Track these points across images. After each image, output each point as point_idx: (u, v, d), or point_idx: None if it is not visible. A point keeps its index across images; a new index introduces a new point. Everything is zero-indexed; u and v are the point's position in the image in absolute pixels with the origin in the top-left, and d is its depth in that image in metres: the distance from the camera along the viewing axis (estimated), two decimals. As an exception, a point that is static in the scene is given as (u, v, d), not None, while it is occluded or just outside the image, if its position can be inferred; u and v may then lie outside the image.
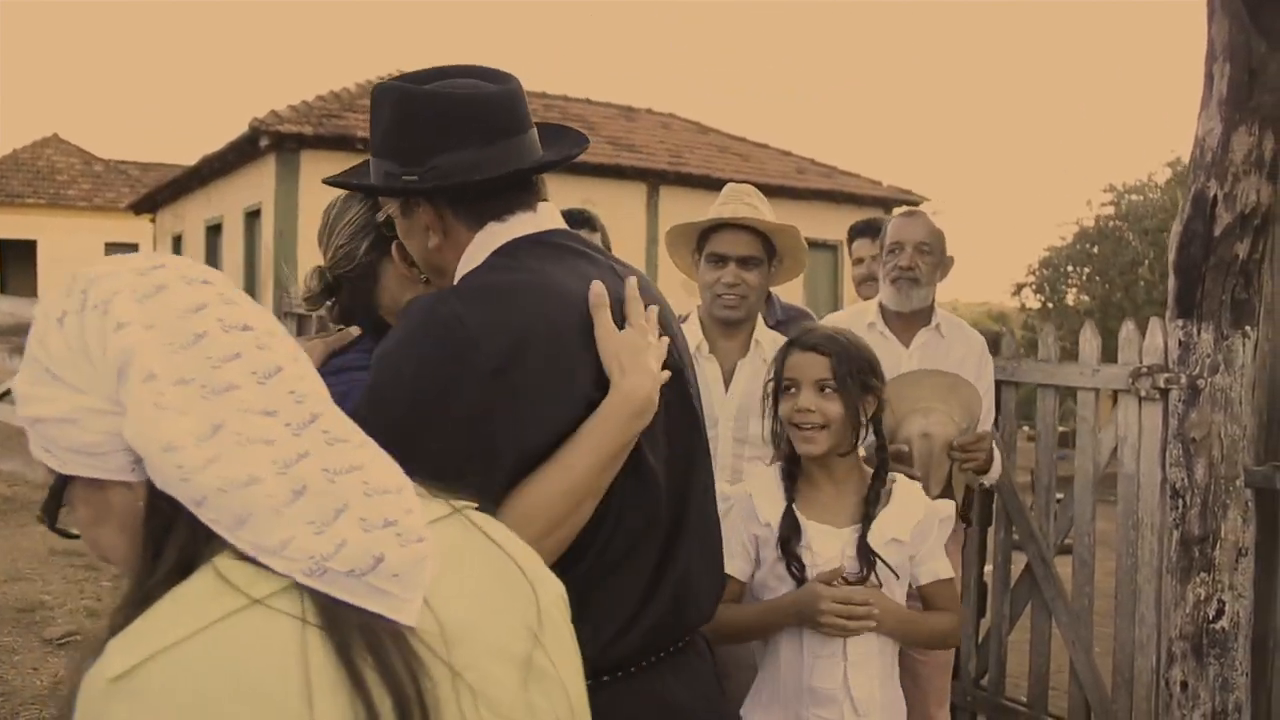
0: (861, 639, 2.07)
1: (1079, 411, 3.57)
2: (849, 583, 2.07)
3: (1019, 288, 23.78)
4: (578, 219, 3.42)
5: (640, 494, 1.46)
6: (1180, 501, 3.16)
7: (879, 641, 2.10)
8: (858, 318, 3.32)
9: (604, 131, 16.49)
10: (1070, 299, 23.51)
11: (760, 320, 2.91)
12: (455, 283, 1.49)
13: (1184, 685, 3.13)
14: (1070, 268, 23.34)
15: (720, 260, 2.77)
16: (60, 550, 6.93)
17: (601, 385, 1.41)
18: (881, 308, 3.33)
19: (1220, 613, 3.09)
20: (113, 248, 29.30)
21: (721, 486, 2.61)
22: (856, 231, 4.43)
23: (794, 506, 2.16)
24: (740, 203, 2.81)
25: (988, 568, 4.12)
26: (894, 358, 3.14)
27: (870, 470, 2.21)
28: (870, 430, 2.23)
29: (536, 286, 1.42)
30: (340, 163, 13.42)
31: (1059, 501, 3.75)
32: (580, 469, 1.35)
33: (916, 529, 2.16)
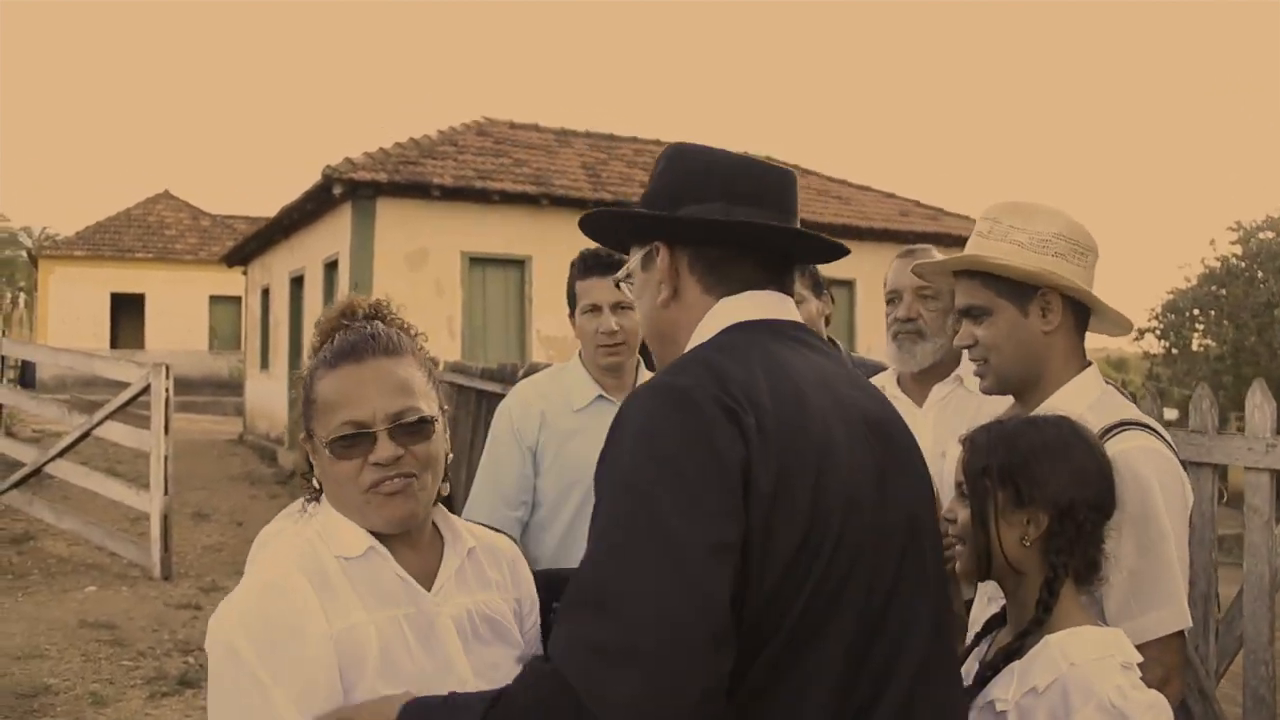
0: None
1: (1247, 499, 2.74)
2: None
3: (1141, 333, 22.64)
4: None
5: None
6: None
7: None
8: (884, 377, 2.80)
9: (695, 175, 15.87)
10: (1194, 344, 22.21)
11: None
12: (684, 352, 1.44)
13: None
14: (1196, 311, 22.07)
15: (956, 315, 2.14)
16: (91, 623, 6.47)
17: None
18: None
19: None
20: (216, 300, 29.85)
21: None
22: None
23: None
24: (975, 236, 2.05)
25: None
26: (909, 420, 2.42)
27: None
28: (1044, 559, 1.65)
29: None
30: (417, 210, 12.89)
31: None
32: None
33: (1026, 708, 1.55)
